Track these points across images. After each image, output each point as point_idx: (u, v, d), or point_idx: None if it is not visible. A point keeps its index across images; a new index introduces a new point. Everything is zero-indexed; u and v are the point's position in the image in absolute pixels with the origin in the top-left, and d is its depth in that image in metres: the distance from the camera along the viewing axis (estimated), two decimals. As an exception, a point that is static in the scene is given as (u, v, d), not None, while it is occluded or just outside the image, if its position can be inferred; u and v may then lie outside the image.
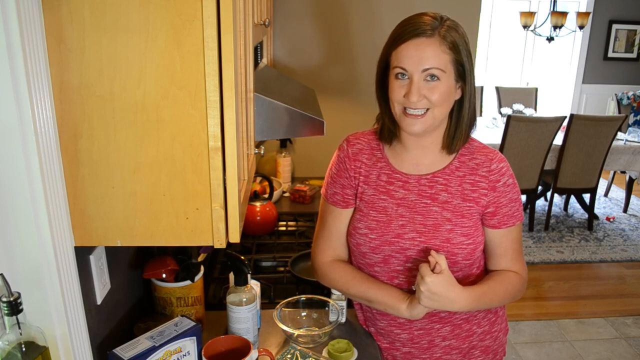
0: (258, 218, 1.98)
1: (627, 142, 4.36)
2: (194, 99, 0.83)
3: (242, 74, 0.96)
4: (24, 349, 0.80)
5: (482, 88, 5.59)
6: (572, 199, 4.98)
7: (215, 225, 0.89)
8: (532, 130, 3.96)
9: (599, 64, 6.52)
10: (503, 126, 4.08)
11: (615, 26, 6.35)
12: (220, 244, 0.90)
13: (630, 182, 4.86)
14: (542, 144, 4.04)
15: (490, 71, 6.58)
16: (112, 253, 1.15)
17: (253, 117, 1.15)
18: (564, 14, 4.81)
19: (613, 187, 5.49)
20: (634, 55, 6.46)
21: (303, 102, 1.40)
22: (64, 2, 0.78)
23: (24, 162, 0.79)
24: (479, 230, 1.22)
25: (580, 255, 4.09)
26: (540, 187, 4.42)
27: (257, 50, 1.44)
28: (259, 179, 2.28)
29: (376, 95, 1.23)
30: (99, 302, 1.07)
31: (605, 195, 5.39)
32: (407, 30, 1.10)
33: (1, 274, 0.76)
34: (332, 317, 1.36)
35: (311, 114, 1.26)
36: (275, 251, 1.89)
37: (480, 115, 5.38)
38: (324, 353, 1.27)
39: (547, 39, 5.03)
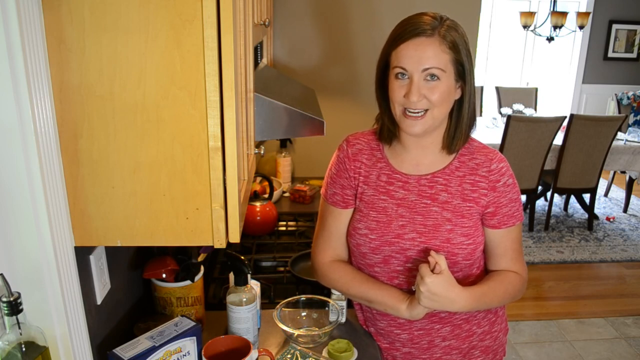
0: (258, 218, 1.99)
1: (627, 142, 4.36)
2: (194, 99, 0.83)
3: (242, 74, 0.96)
4: (24, 349, 0.80)
5: (482, 88, 5.59)
6: (572, 199, 4.98)
7: (215, 225, 0.89)
8: (532, 130, 3.96)
9: (599, 64, 6.52)
10: (503, 126, 4.08)
11: (615, 26, 6.35)
12: (220, 244, 0.91)
13: (630, 182, 4.86)
14: (542, 144, 4.04)
15: (490, 71, 6.58)
16: (112, 253, 1.15)
17: (253, 117, 1.15)
18: (564, 14, 4.81)
19: (613, 187, 5.49)
20: (634, 55, 6.46)
21: (303, 102, 1.40)
22: (64, 2, 0.78)
23: (24, 162, 0.79)
24: (479, 231, 1.22)
25: (580, 255, 4.09)
26: (540, 187, 4.42)
27: (257, 50, 1.44)
28: (259, 179, 2.28)
29: (376, 95, 1.23)
30: (99, 302, 1.07)
31: (605, 195, 5.39)
32: (407, 30, 1.10)
33: (1, 274, 0.76)
34: (332, 317, 1.36)
35: (311, 114, 1.26)
36: (275, 251, 1.89)
37: (480, 115, 5.38)
38: (324, 353, 1.27)
39: (547, 39, 5.03)
